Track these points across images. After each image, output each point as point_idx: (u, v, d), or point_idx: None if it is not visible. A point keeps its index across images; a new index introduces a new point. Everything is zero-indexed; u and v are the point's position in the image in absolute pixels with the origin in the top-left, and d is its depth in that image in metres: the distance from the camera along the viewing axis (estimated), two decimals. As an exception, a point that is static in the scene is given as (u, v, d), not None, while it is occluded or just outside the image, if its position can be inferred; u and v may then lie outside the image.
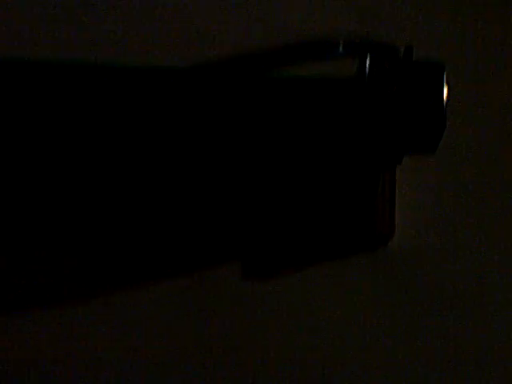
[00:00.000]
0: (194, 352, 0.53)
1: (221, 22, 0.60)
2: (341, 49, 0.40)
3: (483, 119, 0.58)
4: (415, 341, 0.53)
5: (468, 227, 0.56)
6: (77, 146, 0.53)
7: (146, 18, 0.60)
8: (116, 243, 0.56)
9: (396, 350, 0.53)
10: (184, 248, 0.56)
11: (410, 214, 0.56)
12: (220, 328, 0.54)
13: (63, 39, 0.60)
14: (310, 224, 0.56)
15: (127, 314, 0.54)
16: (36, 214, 0.56)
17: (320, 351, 0.53)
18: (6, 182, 0.55)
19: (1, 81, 0.50)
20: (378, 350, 0.53)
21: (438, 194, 0.57)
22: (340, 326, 0.54)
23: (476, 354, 0.53)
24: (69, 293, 0.54)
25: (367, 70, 0.46)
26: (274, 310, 0.54)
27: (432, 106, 0.47)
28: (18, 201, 0.56)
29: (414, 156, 0.53)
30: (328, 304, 0.55)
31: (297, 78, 0.51)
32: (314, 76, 0.51)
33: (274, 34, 0.58)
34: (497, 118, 0.58)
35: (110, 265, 0.55)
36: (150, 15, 0.61)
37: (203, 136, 0.51)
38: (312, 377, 0.52)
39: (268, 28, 0.59)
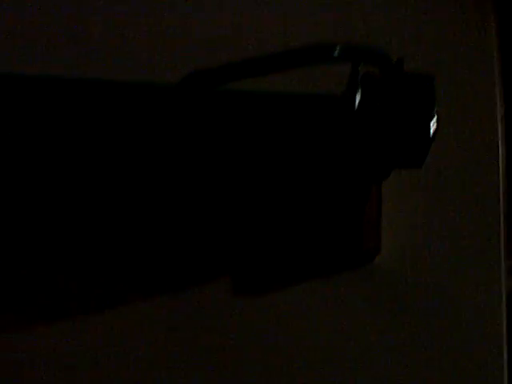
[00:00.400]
0: (183, 367, 0.52)
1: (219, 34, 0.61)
2: (337, 52, 0.41)
3: (471, 135, 0.59)
4: (401, 358, 0.53)
5: (455, 244, 0.56)
6: (73, 159, 0.53)
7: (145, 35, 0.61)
8: (107, 256, 0.55)
9: (381, 367, 0.53)
10: (174, 263, 0.55)
11: (396, 231, 0.56)
12: (209, 343, 0.53)
13: (61, 57, 0.59)
14: (297, 239, 0.55)
15: (116, 329, 0.53)
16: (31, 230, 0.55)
17: (306, 366, 0.52)
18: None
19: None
20: (362, 366, 0.53)
21: (425, 211, 0.57)
22: (325, 341, 0.54)
23: (461, 374, 0.53)
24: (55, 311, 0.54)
25: (359, 77, 0.47)
26: (261, 325, 0.54)
27: (420, 119, 0.48)
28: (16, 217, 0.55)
29: (400, 171, 0.53)
30: (314, 319, 0.54)
31: (288, 93, 0.51)
32: (304, 92, 0.51)
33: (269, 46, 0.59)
34: (484, 135, 0.59)
35: (99, 279, 0.54)
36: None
37: (193, 150, 0.51)
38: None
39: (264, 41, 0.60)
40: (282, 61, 0.41)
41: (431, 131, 0.47)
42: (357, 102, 0.47)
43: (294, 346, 0.53)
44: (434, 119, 0.47)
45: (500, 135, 0.59)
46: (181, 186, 0.54)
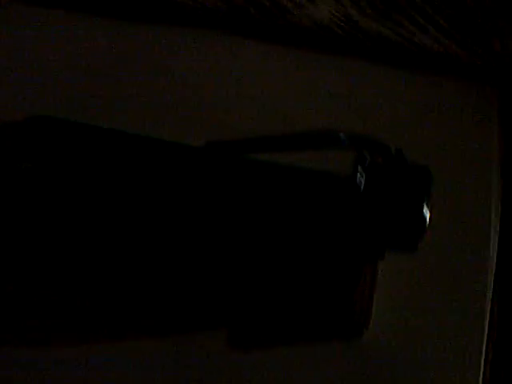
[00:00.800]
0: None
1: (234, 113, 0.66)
2: (342, 140, 0.45)
3: (465, 223, 0.62)
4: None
5: (443, 326, 0.59)
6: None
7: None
8: (106, 304, 0.58)
9: None
10: (170, 316, 0.58)
11: (386, 307, 0.59)
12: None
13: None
14: (289, 305, 0.58)
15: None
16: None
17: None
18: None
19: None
20: None
21: (416, 291, 0.60)
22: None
23: None
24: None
25: (362, 164, 0.51)
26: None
27: (415, 208, 0.52)
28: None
29: (395, 253, 0.57)
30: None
31: (298, 167, 0.55)
32: (313, 168, 0.55)
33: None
34: (475, 224, 0.63)
35: (99, 325, 0.57)
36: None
37: (201, 210, 0.55)
38: None
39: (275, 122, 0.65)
40: (293, 143, 0.45)
41: (426, 220, 0.51)
42: (361, 186, 0.51)
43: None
44: (428, 208, 0.51)
45: (493, 226, 0.62)
46: (189, 238, 0.58)
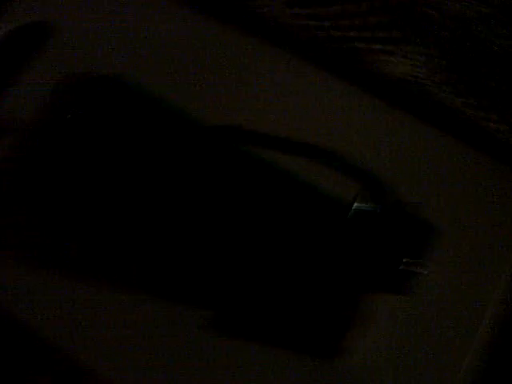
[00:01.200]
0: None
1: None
2: (341, 165, 0.49)
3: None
4: None
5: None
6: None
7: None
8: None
9: None
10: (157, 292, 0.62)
11: (364, 339, 0.61)
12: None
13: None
14: (270, 306, 0.61)
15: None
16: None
17: None
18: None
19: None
20: None
21: (399, 335, 0.62)
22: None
23: None
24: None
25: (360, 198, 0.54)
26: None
27: (389, 257, 0.54)
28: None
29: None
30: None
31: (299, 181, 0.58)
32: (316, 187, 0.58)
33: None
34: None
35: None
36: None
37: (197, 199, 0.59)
38: None
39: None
40: (295, 147, 0.50)
41: (398, 270, 0.54)
42: (349, 214, 0.54)
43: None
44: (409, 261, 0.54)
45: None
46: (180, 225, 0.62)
